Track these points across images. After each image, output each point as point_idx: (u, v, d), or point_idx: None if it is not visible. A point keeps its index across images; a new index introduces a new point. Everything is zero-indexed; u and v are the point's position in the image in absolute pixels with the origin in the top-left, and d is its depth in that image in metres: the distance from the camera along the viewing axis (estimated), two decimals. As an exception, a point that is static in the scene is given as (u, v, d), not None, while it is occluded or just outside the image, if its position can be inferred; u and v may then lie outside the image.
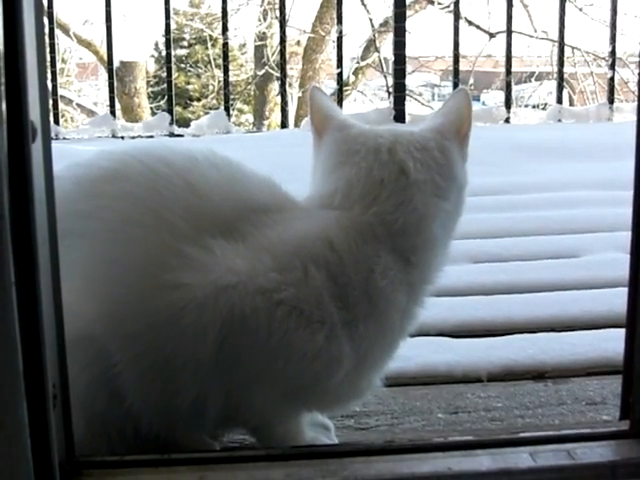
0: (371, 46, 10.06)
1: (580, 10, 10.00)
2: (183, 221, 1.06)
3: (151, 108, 10.68)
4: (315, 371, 1.07)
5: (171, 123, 4.63)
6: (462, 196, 1.20)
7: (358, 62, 10.50)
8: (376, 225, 1.10)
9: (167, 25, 4.73)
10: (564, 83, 5.53)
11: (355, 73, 10.65)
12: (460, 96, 1.21)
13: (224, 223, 1.08)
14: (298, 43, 11.02)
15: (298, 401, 1.13)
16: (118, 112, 5.61)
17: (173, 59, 5.02)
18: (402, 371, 1.49)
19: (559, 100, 5.22)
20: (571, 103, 9.77)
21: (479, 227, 2.57)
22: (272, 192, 1.16)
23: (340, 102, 4.87)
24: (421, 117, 5.06)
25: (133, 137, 4.55)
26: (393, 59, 4.94)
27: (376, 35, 9.56)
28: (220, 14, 5.09)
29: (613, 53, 5.12)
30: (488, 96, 12.74)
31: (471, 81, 10.78)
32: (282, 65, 5.12)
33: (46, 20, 4.44)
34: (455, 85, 5.05)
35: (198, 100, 12.82)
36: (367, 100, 11.60)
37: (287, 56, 5.36)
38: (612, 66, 5.15)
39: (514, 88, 6.01)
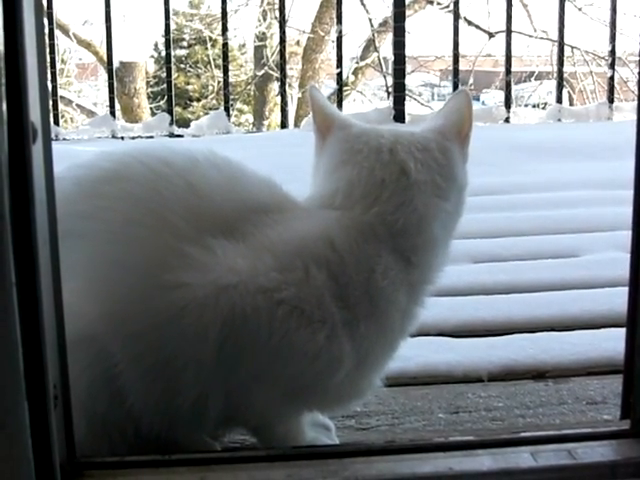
0: (370, 46, 10.06)
1: (580, 10, 10.00)
2: (184, 221, 1.06)
3: (151, 108, 10.68)
4: (316, 371, 1.07)
5: (171, 123, 4.64)
6: (462, 197, 1.20)
7: (358, 62, 10.51)
8: (377, 225, 1.10)
9: (167, 25, 4.73)
10: (564, 82, 5.53)
11: (355, 73, 10.65)
12: (461, 97, 1.21)
13: (225, 223, 1.08)
14: (298, 43, 11.02)
15: (299, 401, 1.13)
16: (118, 112, 5.61)
17: (173, 59, 5.02)
18: (403, 371, 1.49)
19: (559, 99, 5.23)
20: (571, 102, 9.77)
21: (479, 227, 2.57)
22: (272, 192, 1.16)
23: (340, 102, 4.88)
24: (421, 117, 5.07)
25: (133, 137, 4.55)
26: (393, 59, 4.94)
27: (375, 35, 9.56)
28: (220, 15, 5.09)
29: (613, 52, 5.12)
30: (488, 96, 12.74)
31: (471, 81, 10.78)
32: (282, 65, 5.12)
33: (46, 21, 4.43)
34: (455, 85, 5.05)
35: (198, 100, 12.83)
36: (367, 100, 11.60)
37: (287, 56, 5.36)
38: (612, 65, 5.15)
39: (514, 88, 6.01)
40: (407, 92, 5.29)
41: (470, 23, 9.81)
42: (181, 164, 1.12)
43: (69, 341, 0.93)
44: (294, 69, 10.83)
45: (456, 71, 4.97)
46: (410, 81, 10.16)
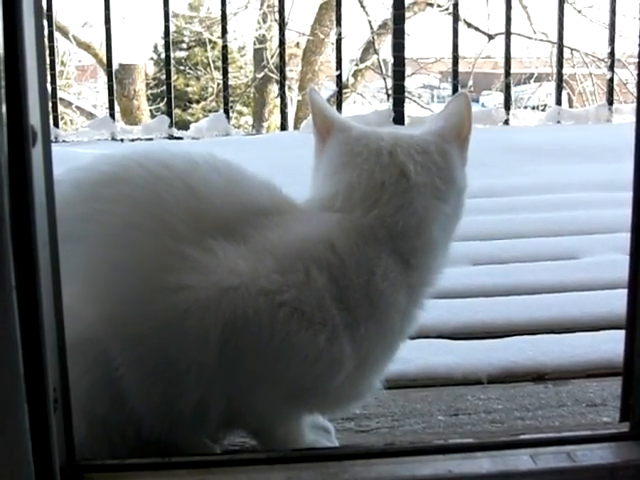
0: (370, 48, 10.07)
1: (579, 12, 10.01)
2: (184, 224, 1.06)
3: (150, 110, 10.68)
4: (316, 373, 1.07)
5: (170, 126, 4.63)
6: (462, 199, 1.20)
7: (357, 64, 10.51)
8: (377, 228, 1.11)
9: (166, 28, 4.73)
10: (563, 84, 5.53)
11: (354, 75, 10.65)
12: (460, 100, 1.22)
13: (225, 225, 1.08)
14: (297, 45, 11.03)
15: (300, 402, 1.13)
16: (117, 115, 5.61)
17: (172, 62, 5.02)
18: (402, 373, 1.49)
19: (558, 101, 5.22)
20: (570, 104, 9.76)
21: (478, 229, 2.57)
22: (272, 195, 1.17)
23: (339, 104, 4.88)
24: (420, 119, 5.06)
25: (132, 140, 4.55)
26: (392, 61, 4.95)
27: (375, 37, 9.57)
28: (219, 17, 5.09)
29: (612, 54, 5.12)
30: (487, 98, 12.74)
31: (470, 83, 10.78)
32: (281, 67, 5.12)
33: (45, 23, 4.44)
34: (454, 87, 5.05)
35: (197, 102, 12.83)
36: (366, 102, 11.59)
37: (286, 58, 5.37)
38: (611, 67, 5.15)
39: (513, 89, 6.01)
40: (407, 94, 5.29)
41: (469, 25, 9.82)
42: (181, 167, 1.13)
43: (69, 344, 0.93)
44: (294, 71, 10.83)
45: (455, 73, 4.97)
46: (410, 83, 10.16)
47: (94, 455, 1.02)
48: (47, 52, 4.14)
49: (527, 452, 1.01)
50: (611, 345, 1.53)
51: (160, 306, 1.03)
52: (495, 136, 4.68)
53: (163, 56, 5.30)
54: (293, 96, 10.38)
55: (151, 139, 4.54)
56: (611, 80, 5.16)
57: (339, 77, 4.93)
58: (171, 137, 4.58)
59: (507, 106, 5.08)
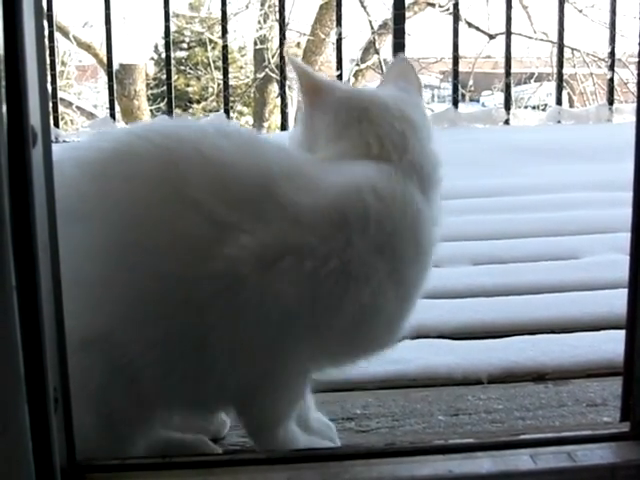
0: (371, 48, 10.08)
1: (580, 12, 10.01)
2: (208, 194, 1.02)
3: (151, 110, 10.69)
4: (358, 324, 1.09)
5: (171, 125, 4.63)
6: None
7: (358, 64, 10.51)
8: (410, 171, 1.16)
9: (167, 28, 4.74)
10: (564, 84, 5.53)
11: (355, 75, 10.65)
12: (404, 63, 1.35)
13: (252, 189, 1.05)
14: (298, 45, 11.03)
15: (330, 350, 1.13)
16: (118, 115, 5.60)
17: (173, 61, 5.03)
18: (402, 373, 1.49)
19: (559, 101, 5.23)
20: (571, 104, 9.77)
21: (479, 229, 2.57)
22: (291, 155, 1.17)
23: (340, 104, 4.87)
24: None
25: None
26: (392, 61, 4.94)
27: (375, 37, 9.57)
28: (220, 17, 5.10)
29: (612, 54, 5.13)
30: (487, 97, 12.75)
31: (471, 82, 10.79)
32: (282, 67, 5.13)
33: (46, 23, 4.44)
34: (455, 86, 5.06)
35: (198, 102, 12.84)
36: (367, 102, 11.57)
37: (287, 58, 5.36)
38: (611, 67, 5.15)
39: (513, 89, 6.01)
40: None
41: (470, 25, 9.83)
42: (189, 136, 1.09)
43: (85, 335, 0.94)
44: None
45: (456, 73, 4.98)
46: (410, 83, 10.14)
47: (103, 451, 1.02)
48: (47, 52, 4.14)
49: (527, 452, 1.01)
50: (611, 345, 1.53)
51: (206, 279, 1.00)
52: (495, 136, 4.68)
53: (164, 56, 5.31)
54: (293, 96, 10.37)
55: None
56: (611, 80, 5.16)
57: (340, 77, 4.92)
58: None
59: (507, 106, 5.08)
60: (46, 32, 4.36)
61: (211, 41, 11.36)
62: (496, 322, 1.77)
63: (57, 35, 7.09)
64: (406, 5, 5.24)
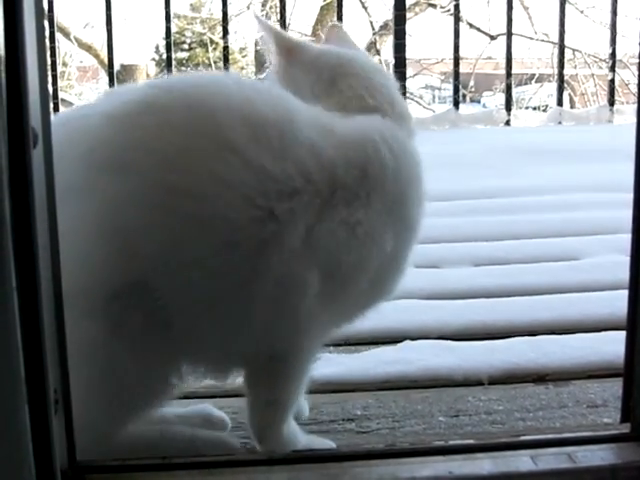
0: (371, 48, 10.07)
1: (581, 12, 10.02)
2: (241, 137, 1.03)
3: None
4: (382, 275, 1.15)
5: (172, 126, 4.63)
6: None
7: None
8: (401, 122, 1.22)
9: (168, 28, 4.73)
10: (565, 85, 5.53)
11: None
12: (338, 29, 1.39)
13: (279, 135, 1.06)
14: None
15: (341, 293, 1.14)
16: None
17: (174, 62, 5.03)
18: (403, 374, 1.49)
19: (559, 102, 5.23)
20: (572, 105, 9.77)
21: (480, 230, 2.57)
22: (306, 105, 1.17)
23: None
24: (421, 120, 5.07)
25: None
26: (393, 62, 4.94)
27: (376, 38, 9.58)
28: (221, 18, 5.10)
29: (613, 55, 5.13)
30: (488, 98, 12.75)
31: (472, 83, 10.79)
32: (282, 68, 5.12)
33: (47, 24, 4.44)
34: (456, 87, 5.06)
35: (199, 103, 12.81)
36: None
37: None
38: (612, 68, 5.15)
39: (514, 90, 6.01)
40: (408, 95, 5.30)
41: (471, 26, 9.83)
42: (212, 88, 1.10)
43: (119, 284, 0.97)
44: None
45: (457, 74, 4.98)
46: (411, 84, 10.18)
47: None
48: (48, 53, 4.14)
49: (528, 453, 1.01)
50: (612, 346, 1.53)
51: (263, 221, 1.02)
52: (496, 137, 4.68)
53: (165, 57, 5.31)
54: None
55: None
56: (612, 81, 5.16)
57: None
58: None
59: (508, 107, 5.09)
60: (47, 33, 4.37)
61: (212, 42, 11.36)
62: (497, 323, 1.77)
63: (58, 36, 7.11)
64: (407, 6, 5.24)
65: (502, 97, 5.78)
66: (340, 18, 4.97)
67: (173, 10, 4.85)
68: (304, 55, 1.28)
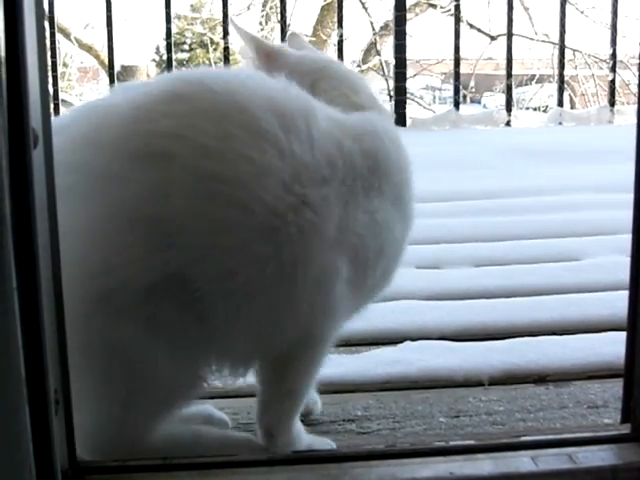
0: (372, 49, 10.08)
1: (581, 13, 10.02)
2: (270, 125, 1.04)
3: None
4: (392, 260, 1.19)
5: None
6: None
7: (359, 65, 10.52)
8: (385, 116, 1.27)
9: (168, 29, 4.74)
10: (565, 86, 5.53)
11: (356, 76, 10.65)
12: (297, 38, 1.42)
13: (301, 122, 1.08)
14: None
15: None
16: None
17: (174, 63, 5.03)
18: (404, 375, 1.49)
19: (560, 103, 5.23)
20: (572, 106, 9.77)
21: (480, 231, 2.57)
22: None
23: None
24: (422, 121, 5.07)
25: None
26: (394, 62, 4.95)
27: (377, 38, 9.58)
28: (221, 18, 5.10)
29: (614, 55, 5.13)
30: (489, 99, 12.75)
31: (472, 84, 10.79)
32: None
33: (47, 24, 4.44)
34: (456, 88, 5.06)
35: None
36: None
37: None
38: (613, 68, 5.16)
39: (515, 91, 6.02)
40: (408, 95, 5.30)
41: (471, 26, 9.83)
42: (234, 78, 1.12)
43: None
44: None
45: (457, 74, 4.98)
46: (411, 84, 10.17)
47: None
48: (49, 54, 4.14)
49: (528, 454, 1.01)
50: (612, 347, 1.53)
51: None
52: (497, 138, 4.68)
53: (165, 57, 5.31)
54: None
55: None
56: (613, 81, 5.16)
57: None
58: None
59: (509, 107, 5.09)
60: (47, 33, 4.37)
61: (213, 42, 11.36)
62: (497, 324, 1.77)
63: (58, 36, 7.10)
64: (407, 7, 5.24)
65: (502, 98, 5.79)
66: (340, 19, 4.98)
67: (173, 11, 4.85)
68: (284, 61, 1.29)
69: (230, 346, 1.10)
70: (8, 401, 0.78)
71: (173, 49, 4.89)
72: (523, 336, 1.68)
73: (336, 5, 5.13)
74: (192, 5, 12.74)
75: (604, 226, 2.54)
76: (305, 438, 1.17)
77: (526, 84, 11.64)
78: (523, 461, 0.99)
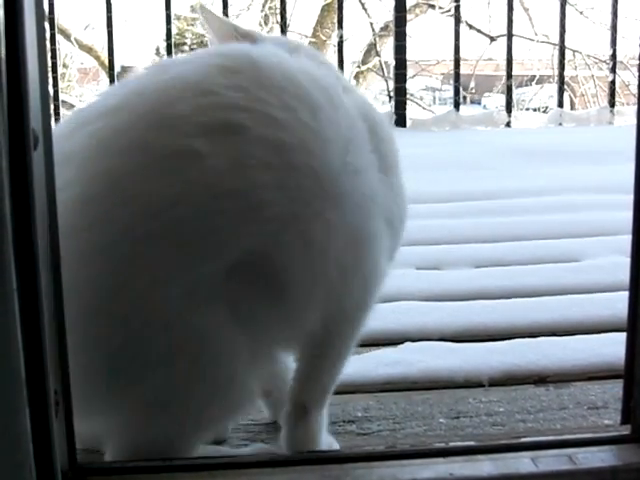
0: (372, 50, 10.08)
1: (581, 13, 10.01)
2: (297, 102, 1.04)
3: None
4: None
5: (172, 128, 4.63)
6: None
7: (359, 66, 10.52)
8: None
9: (168, 30, 4.74)
10: (565, 86, 5.53)
11: (356, 77, 10.66)
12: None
13: (337, 94, 1.11)
14: (299, 47, 11.02)
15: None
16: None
17: (174, 64, 5.02)
18: (404, 376, 1.49)
19: (560, 104, 5.23)
20: (572, 106, 9.77)
21: (480, 231, 2.57)
22: None
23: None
24: (422, 121, 5.07)
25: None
26: (394, 63, 4.95)
27: (377, 39, 9.58)
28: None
29: (614, 56, 5.14)
30: (489, 100, 12.74)
31: (472, 85, 10.79)
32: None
33: (47, 25, 4.44)
34: (456, 89, 5.06)
35: (199, 104, 12.81)
36: (368, 104, 11.57)
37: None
38: (613, 69, 5.16)
39: (515, 92, 6.02)
40: (408, 96, 5.30)
41: (471, 27, 9.83)
42: (268, 54, 1.12)
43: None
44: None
45: (457, 75, 4.98)
46: (411, 85, 10.16)
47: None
48: (49, 55, 4.14)
49: (528, 455, 1.01)
50: (613, 348, 1.53)
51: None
52: (497, 138, 4.69)
53: (165, 58, 5.30)
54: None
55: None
56: (613, 82, 5.17)
57: (341, 79, 4.92)
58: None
59: (509, 108, 5.09)
60: (47, 34, 4.37)
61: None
62: (497, 325, 1.77)
63: (59, 37, 7.11)
64: (407, 7, 5.24)
65: (502, 98, 5.78)
66: (340, 19, 4.98)
67: (173, 11, 4.85)
68: (261, 41, 1.27)
69: (300, 325, 1.08)
70: (8, 402, 0.78)
71: (173, 50, 4.89)
72: (523, 337, 1.68)
73: (336, 6, 5.13)
74: (192, 6, 12.73)
75: (604, 227, 2.54)
76: (325, 436, 1.17)
77: (526, 85, 11.63)
78: (523, 462, 0.99)
